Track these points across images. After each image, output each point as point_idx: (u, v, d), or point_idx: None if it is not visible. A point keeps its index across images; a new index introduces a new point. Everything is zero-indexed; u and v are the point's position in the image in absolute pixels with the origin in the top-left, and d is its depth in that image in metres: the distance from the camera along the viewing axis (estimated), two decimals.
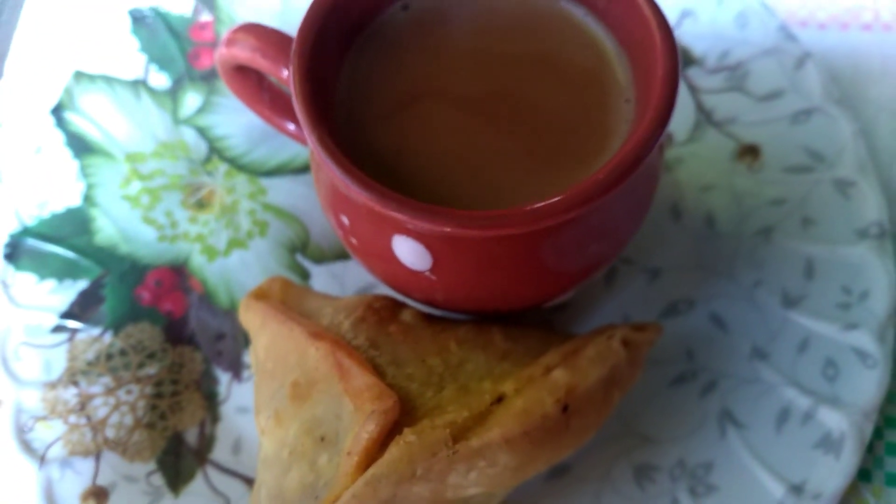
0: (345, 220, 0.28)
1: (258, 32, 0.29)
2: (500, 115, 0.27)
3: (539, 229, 0.23)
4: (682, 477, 0.31)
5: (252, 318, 0.30)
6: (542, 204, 0.22)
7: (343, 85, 0.28)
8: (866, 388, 0.31)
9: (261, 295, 0.31)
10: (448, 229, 0.23)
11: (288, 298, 0.31)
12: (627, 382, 0.28)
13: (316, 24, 0.27)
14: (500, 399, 0.26)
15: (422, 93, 0.28)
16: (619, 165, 0.23)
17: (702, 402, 0.32)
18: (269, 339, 0.29)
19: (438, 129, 0.27)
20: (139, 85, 0.40)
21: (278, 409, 0.27)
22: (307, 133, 0.24)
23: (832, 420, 0.31)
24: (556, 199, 0.22)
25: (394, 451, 0.24)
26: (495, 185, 0.26)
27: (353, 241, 0.28)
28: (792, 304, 0.33)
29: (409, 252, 0.26)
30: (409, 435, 0.24)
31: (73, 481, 0.32)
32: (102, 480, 0.32)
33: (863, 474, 0.31)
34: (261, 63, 0.29)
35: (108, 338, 0.35)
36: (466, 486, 0.25)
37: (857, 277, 0.33)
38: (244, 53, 0.29)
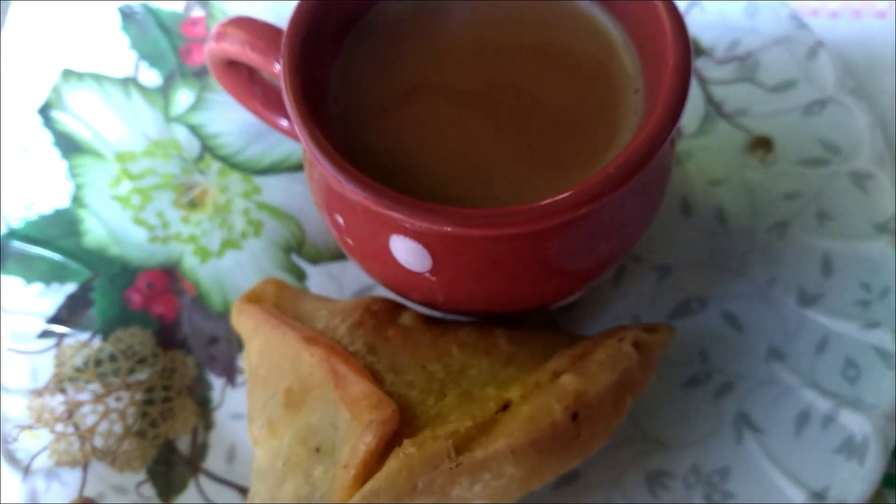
0: (339, 219, 0.26)
1: (248, 26, 0.28)
2: (502, 110, 0.26)
3: (545, 228, 0.22)
4: (697, 484, 0.30)
5: (245, 323, 0.29)
6: (549, 201, 0.21)
7: (336, 79, 0.27)
8: (889, 389, 0.30)
9: (254, 298, 0.30)
10: (448, 229, 0.21)
11: (282, 301, 0.30)
12: (639, 387, 0.27)
13: (308, 15, 0.25)
14: (505, 406, 0.24)
15: (419, 87, 0.27)
16: (631, 159, 0.21)
17: (716, 405, 0.31)
18: (261, 344, 0.28)
19: (437, 125, 0.26)
20: (129, 82, 0.39)
21: (271, 418, 0.26)
22: (298, 128, 0.23)
23: (854, 423, 0.29)
24: (563, 195, 0.21)
25: (393, 463, 0.23)
26: (497, 183, 0.24)
27: (349, 241, 0.27)
28: (809, 302, 0.32)
29: (407, 253, 0.24)
30: (409, 446, 0.23)
31: (60, 493, 0.31)
32: (90, 492, 0.31)
33: (888, 480, 0.30)
34: (251, 57, 0.28)
35: (96, 343, 0.34)
36: (471, 499, 0.24)
37: (877, 274, 0.32)
38: (234, 48, 0.28)
